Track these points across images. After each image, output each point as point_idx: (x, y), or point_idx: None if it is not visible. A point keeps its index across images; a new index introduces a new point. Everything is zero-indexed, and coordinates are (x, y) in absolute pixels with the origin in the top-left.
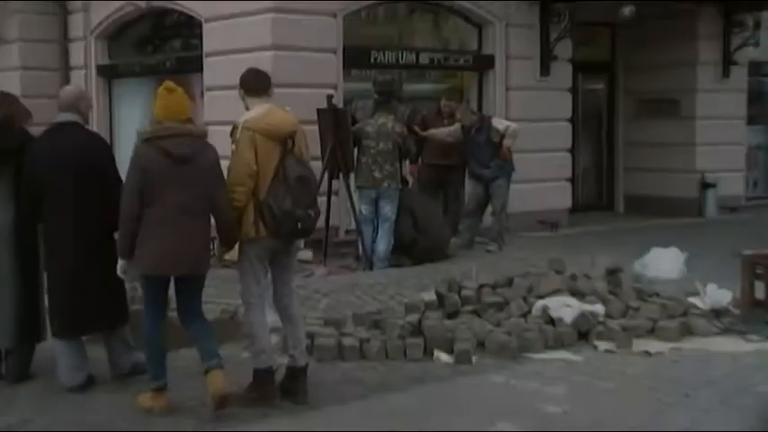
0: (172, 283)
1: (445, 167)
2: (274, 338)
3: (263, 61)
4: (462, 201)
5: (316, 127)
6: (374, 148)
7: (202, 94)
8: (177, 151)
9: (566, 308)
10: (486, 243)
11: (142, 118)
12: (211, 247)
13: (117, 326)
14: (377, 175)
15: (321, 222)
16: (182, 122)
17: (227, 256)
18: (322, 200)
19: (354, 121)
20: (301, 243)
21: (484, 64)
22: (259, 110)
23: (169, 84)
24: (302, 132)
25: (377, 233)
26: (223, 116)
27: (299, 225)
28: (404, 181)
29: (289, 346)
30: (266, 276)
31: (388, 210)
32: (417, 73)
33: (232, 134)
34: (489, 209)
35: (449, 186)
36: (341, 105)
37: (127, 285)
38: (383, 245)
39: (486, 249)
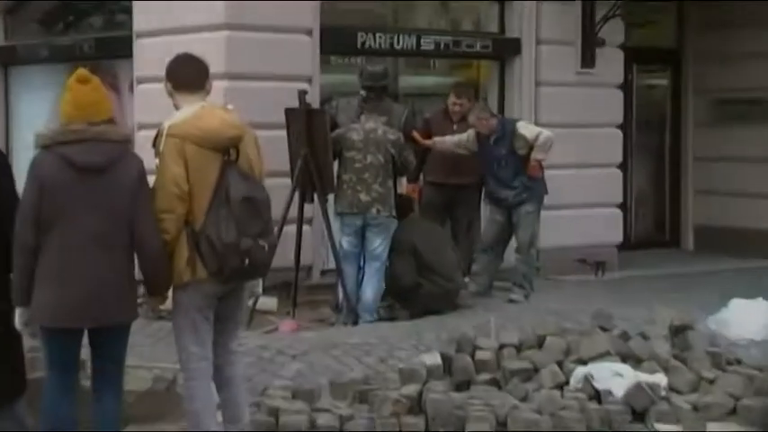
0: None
1: (454, 188)
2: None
3: (214, 45)
4: (477, 232)
5: (283, 132)
6: (360, 161)
7: (131, 87)
8: (84, 160)
9: (616, 378)
10: (508, 289)
11: (50, 118)
12: (139, 290)
13: (8, 399)
14: (363, 197)
15: (289, 261)
16: (97, 124)
17: (162, 306)
18: (291, 229)
19: (335, 126)
20: (259, 288)
21: (507, 50)
22: (189, 111)
23: (82, 73)
24: (252, 139)
25: (363, 275)
26: (160, 117)
27: (246, 261)
28: (402, 205)
29: (224, 419)
30: (211, 334)
31: (379, 244)
32: (418, 62)
33: (155, 143)
34: (513, 243)
35: (459, 213)
36: (316, 105)
37: (26, 343)
38: (371, 290)
39: (509, 298)
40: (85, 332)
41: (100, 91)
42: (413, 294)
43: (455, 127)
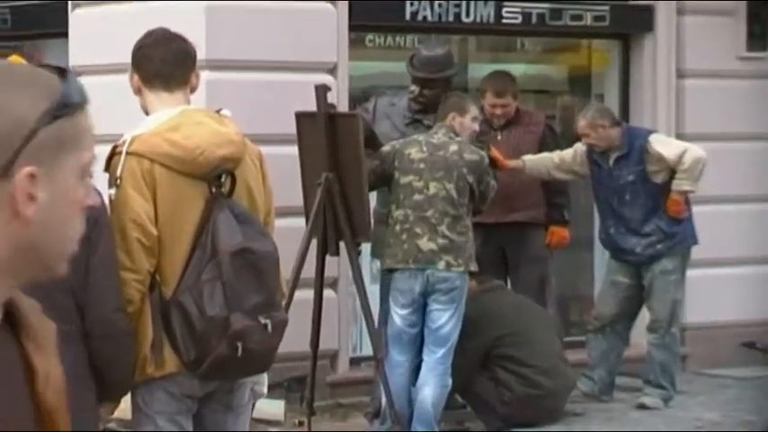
0: None
1: (515, 229)
2: None
3: (188, 18)
4: (551, 296)
5: (292, 149)
6: (422, 191)
7: None
8: None
9: None
10: (638, 389)
11: None
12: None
13: None
14: (426, 244)
15: (303, 346)
16: None
17: (114, 414)
18: (305, 297)
19: (372, 138)
20: (263, 387)
21: (634, 24)
22: (162, 117)
23: (15, 62)
24: (255, 161)
25: (419, 367)
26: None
27: (242, 348)
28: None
29: None
30: None
31: (448, 319)
32: (498, 43)
33: (108, 166)
34: (644, 319)
35: (524, 268)
36: (344, 107)
37: None
38: (432, 391)
39: (639, 402)
40: None
41: None
42: (497, 399)
43: (499, 137)
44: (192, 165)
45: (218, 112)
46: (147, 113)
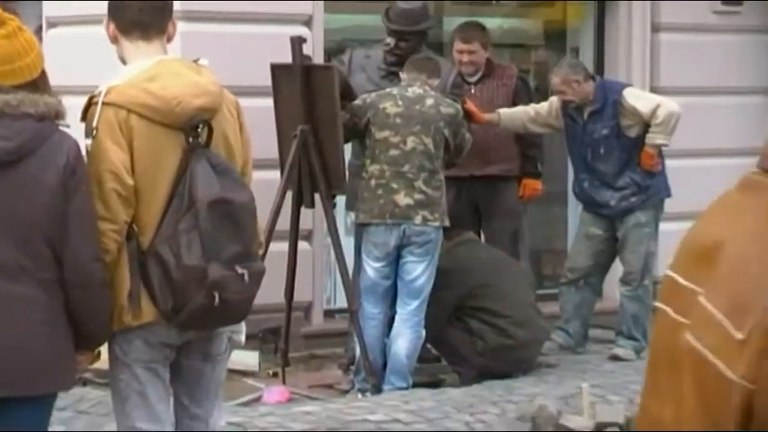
0: None
1: (488, 182)
2: None
3: None
4: (525, 250)
5: (267, 102)
6: (398, 146)
7: (40, 31)
8: None
9: None
10: (610, 340)
11: None
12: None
13: None
14: (402, 200)
15: (277, 297)
16: (10, 91)
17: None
18: (280, 249)
19: (347, 90)
20: (240, 336)
21: None
22: (139, 67)
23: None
24: (233, 111)
25: (392, 319)
26: (83, 78)
27: (219, 297)
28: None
29: None
30: (168, 402)
31: (421, 272)
32: None
33: (85, 116)
34: (617, 271)
35: (496, 221)
36: (320, 59)
37: None
38: (406, 343)
39: (612, 354)
40: None
41: (17, 39)
42: (469, 349)
43: (473, 90)
44: (170, 115)
45: (195, 61)
46: (124, 63)
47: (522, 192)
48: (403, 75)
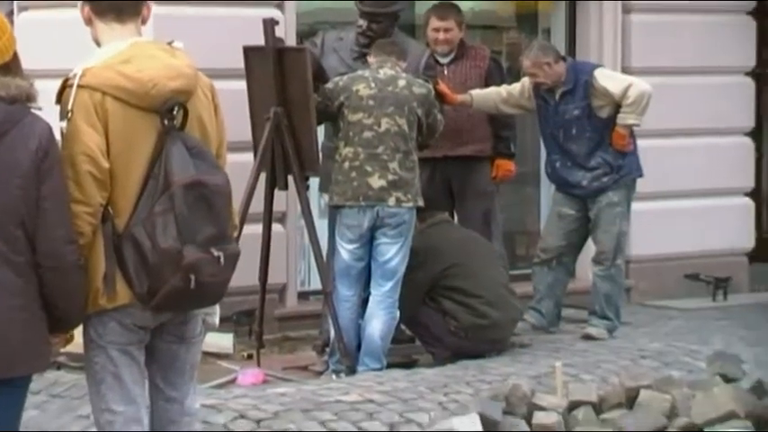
0: None
1: (461, 163)
2: None
3: None
4: (498, 229)
5: (240, 84)
6: (372, 128)
7: (11, 15)
8: None
9: None
10: (583, 320)
11: None
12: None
13: None
14: (376, 182)
15: (251, 279)
16: None
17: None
18: (254, 231)
19: (320, 73)
20: (215, 318)
21: None
22: (114, 49)
23: None
24: (207, 94)
25: (366, 301)
26: (55, 62)
27: (194, 280)
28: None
29: None
30: (143, 384)
31: (394, 253)
32: None
33: (60, 99)
34: (590, 251)
35: (470, 201)
36: (292, 41)
37: None
38: (381, 323)
39: (585, 333)
40: None
41: None
42: (442, 330)
43: (446, 72)
44: (145, 97)
45: (169, 44)
46: (98, 45)
47: (495, 172)
48: (371, 58)
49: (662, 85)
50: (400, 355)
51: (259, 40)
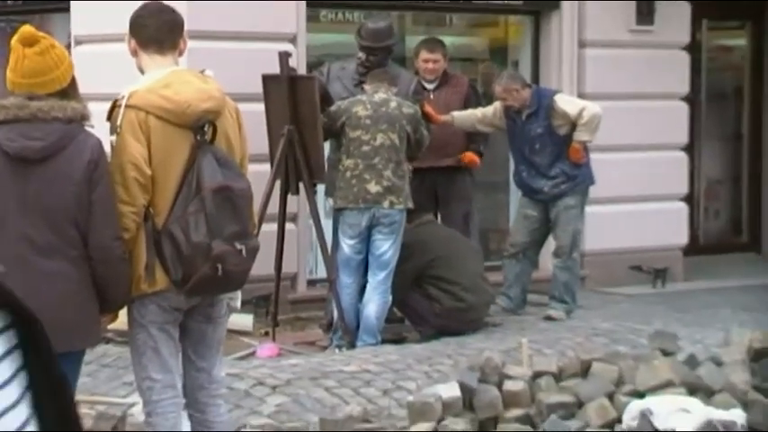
0: None
1: (444, 172)
2: None
3: None
4: (475, 229)
5: (260, 106)
6: (369, 143)
7: (69, 47)
8: (18, 146)
9: (680, 414)
10: (544, 304)
11: None
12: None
13: None
14: (373, 187)
15: (268, 269)
16: (43, 98)
17: (110, 325)
18: (270, 229)
19: (326, 97)
20: (237, 302)
21: (543, 3)
22: (155, 76)
23: (27, 31)
24: (233, 115)
25: (364, 287)
26: (105, 87)
27: (221, 269)
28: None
29: None
30: (178, 356)
31: (388, 248)
32: (430, 18)
33: (111, 117)
34: (550, 246)
35: (453, 205)
36: (303, 70)
37: None
38: (375, 306)
39: (546, 315)
40: None
41: (49, 55)
42: (426, 311)
43: (432, 96)
44: (181, 116)
45: (201, 72)
46: (142, 72)
47: (462, 158)
48: (366, 86)
49: (611, 108)
50: (392, 333)
51: (275, 69)
